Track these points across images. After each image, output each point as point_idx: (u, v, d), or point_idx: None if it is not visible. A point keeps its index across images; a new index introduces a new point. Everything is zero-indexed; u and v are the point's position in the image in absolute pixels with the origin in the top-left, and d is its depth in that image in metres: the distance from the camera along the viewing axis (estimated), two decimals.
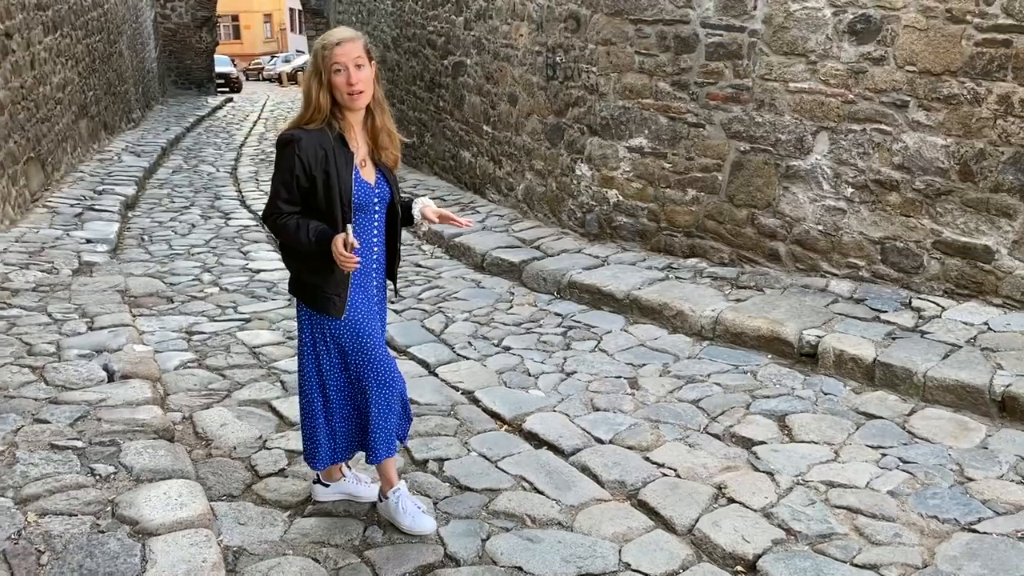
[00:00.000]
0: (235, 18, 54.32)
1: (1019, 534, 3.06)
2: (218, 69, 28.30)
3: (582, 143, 6.76)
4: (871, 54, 4.97)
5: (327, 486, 3.28)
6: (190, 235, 8.31)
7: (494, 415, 4.20)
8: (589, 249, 6.58)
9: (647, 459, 3.72)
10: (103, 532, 2.80)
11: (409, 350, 5.04)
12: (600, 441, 3.89)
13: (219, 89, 27.65)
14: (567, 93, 6.90)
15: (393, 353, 4.51)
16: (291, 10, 50.37)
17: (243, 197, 10.44)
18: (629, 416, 4.12)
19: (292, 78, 37.63)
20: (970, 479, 3.45)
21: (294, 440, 3.82)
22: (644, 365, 4.74)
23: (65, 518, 2.88)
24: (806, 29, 5.23)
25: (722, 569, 2.98)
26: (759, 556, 3.00)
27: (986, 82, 4.56)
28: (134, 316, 5.45)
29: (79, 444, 3.42)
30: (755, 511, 3.28)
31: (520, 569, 2.93)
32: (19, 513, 2.88)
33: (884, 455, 3.67)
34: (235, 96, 27.51)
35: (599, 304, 5.70)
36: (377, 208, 2.96)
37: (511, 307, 5.84)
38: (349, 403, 3.03)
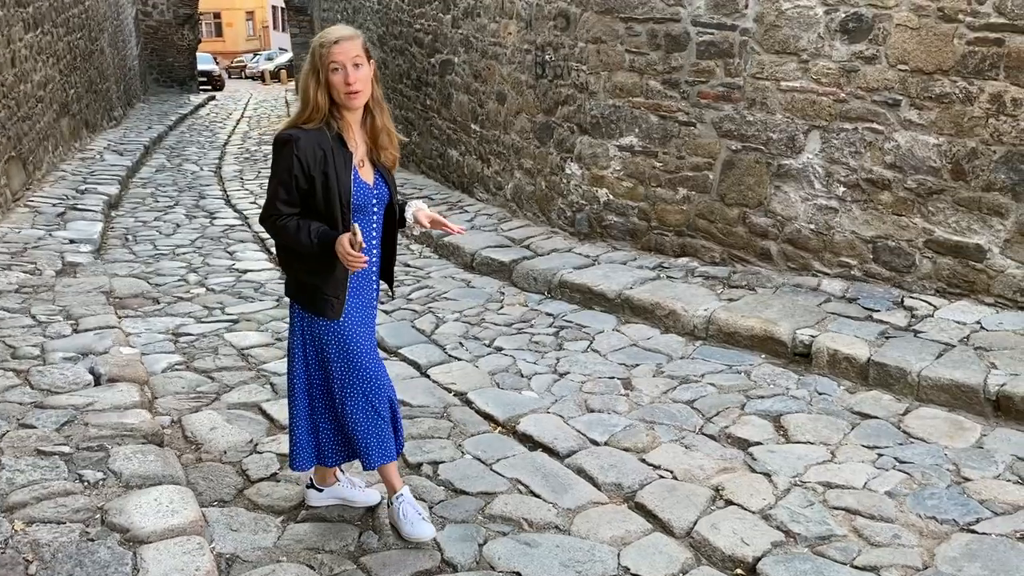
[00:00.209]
0: (217, 15, 53.95)
1: (1018, 534, 3.05)
2: (200, 67, 28.08)
3: (572, 142, 6.73)
4: (863, 53, 4.96)
5: (321, 491, 3.23)
6: (175, 235, 8.22)
7: (487, 417, 4.16)
8: (579, 248, 6.55)
9: (643, 461, 3.69)
10: (93, 540, 2.74)
11: (400, 351, 4.98)
12: (595, 443, 3.86)
13: (201, 87, 27.43)
14: (556, 92, 6.86)
15: (384, 354, 4.47)
16: (274, 7, 50.07)
17: (228, 196, 10.35)
18: (624, 417, 4.09)
19: (275, 76, 37.42)
20: (967, 479, 3.44)
21: (285, 444, 3.73)
22: (637, 365, 4.71)
23: (53, 526, 2.81)
24: (798, 28, 5.22)
25: (722, 572, 2.96)
26: (759, 559, 2.98)
27: (978, 81, 4.56)
28: (119, 318, 5.37)
29: (66, 450, 3.35)
30: (753, 513, 3.26)
31: (518, 574, 2.90)
32: (5, 521, 2.82)
33: (880, 455, 3.66)
34: (218, 94, 27.32)
35: (590, 304, 5.66)
36: (375, 209, 2.92)
37: (502, 307, 5.80)
38: (333, 408, 2.98)
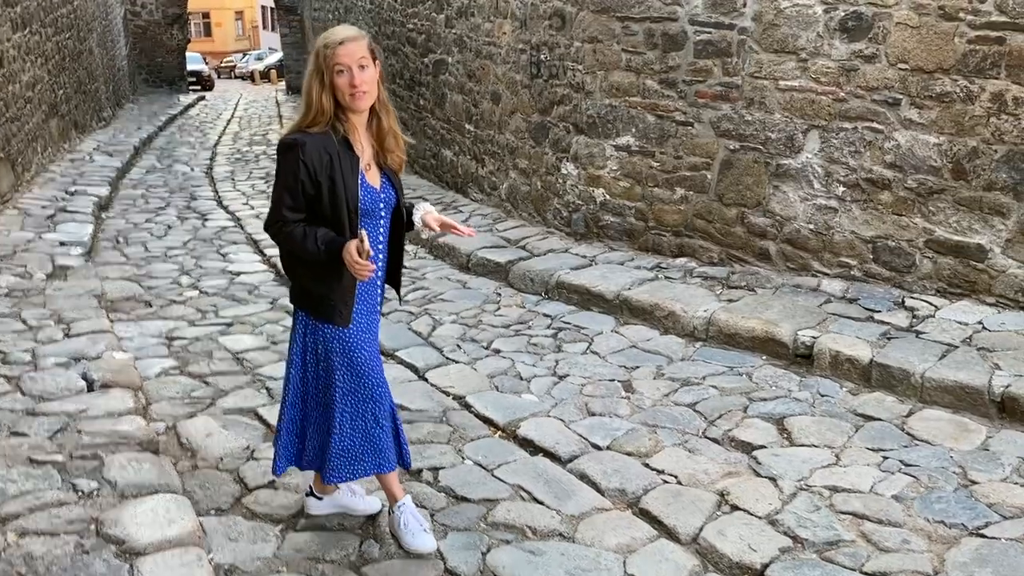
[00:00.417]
0: (206, 15, 53.71)
1: None
2: (190, 67, 27.91)
3: (568, 142, 6.68)
4: (863, 52, 4.93)
5: (320, 499, 3.17)
6: (167, 237, 8.13)
7: (487, 421, 4.10)
8: (576, 249, 6.50)
9: (647, 465, 3.64)
10: (88, 552, 2.67)
11: (397, 354, 4.92)
12: (597, 447, 3.81)
13: (191, 87, 27.26)
14: (552, 91, 6.81)
15: (381, 357, 4.40)
16: (263, 7, 49.87)
17: (220, 197, 10.25)
18: (625, 421, 4.05)
19: (265, 76, 37.27)
20: (974, 482, 3.41)
21: None
22: (637, 367, 4.67)
23: (47, 538, 2.75)
24: (797, 26, 5.18)
25: None
26: (767, 565, 2.94)
27: (979, 80, 4.53)
28: (112, 321, 5.30)
29: (59, 458, 3.29)
30: (760, 518, 3.22)
31: None
32: None
33: (885, 458, 3.62)
34: (207, 94, 27.16)
35: (588, 305, 5.62)
36: (383, 213, 2.85)
37: (499, 308, 5.75)
38: (329, 418, 2.91)
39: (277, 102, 22.25)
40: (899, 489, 3.36)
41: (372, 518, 3.18)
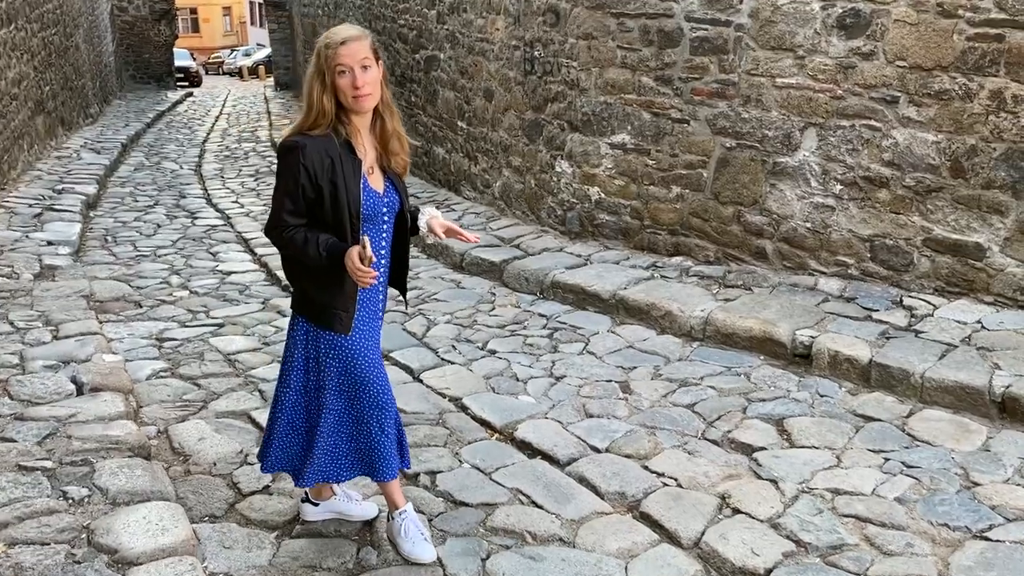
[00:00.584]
0: (193, 11, 53.36)
1: None
2: (177, 63, 27.70)
3: (562, 139, 6.62)
4: (860, 49, 4.89)
5: (316, 505, 3.11)
6: (156, 235, 8.04)
7: (484, 423, 4.05)
8: (571, 248, 6.45)
9: (646, 468, 3.60)
10: (79, 563, 2.61)
11: (392, 355, 4.85)
12: (596, 450, 3.76)
13: (178, 83, 27.06)
14: (546, 88, 6.76)
15: None
16: (251, 3, 49.60)
17: (209, 195, 10.16)
18: (624, 422, 4.00)
19: (253, 72, 37.06)
20: (976, 483, 3.38)
21: None
22: (635, 368, 4.62)
23: (37, 548, 2.68)
24: (794, 23, 5.14)
25: None
26: (770, 570, 2.90)
27: (978, 77, 4.50)
28: (101, 323, 5.22)
29: (49, 465, 3.21)
30: (762, 522, 3.18)
31: None
32: None
33: (887, 459, 3.59)
34: (195, 91, 27.00)
35: (584, 304, 5.57)
36: (386, 218, 2.79)
37: (493, 308, 5.69)
38: (337, 425, 2.85)
39: (265, 98, 22.12)
40: (901, 491, 3.33)
41: (369, 524, 3.13)
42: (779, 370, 4.51)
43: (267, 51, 32.09)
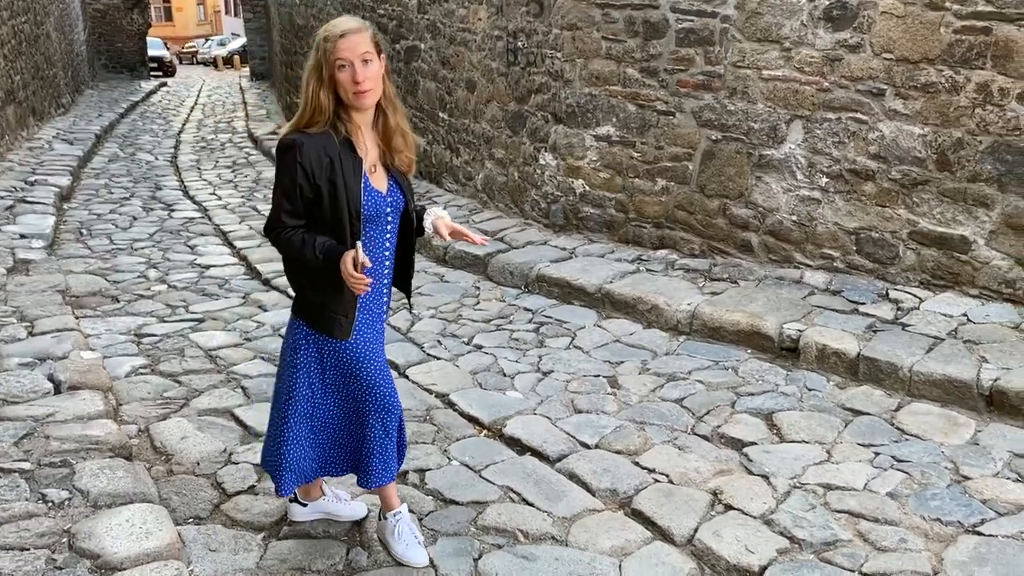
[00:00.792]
0: (167, 0, 52.62)
1: None
2: (151, 52, 27.33)
3: (546, 131, 6.57)
4: (847, 41, 4.88)
5: (305, 505, 3.05)
6: (132, 228, 7.90)
7: (472, 419, 4.00)
8: (555, 241, 6.40)
9: (637, 464, 3.57)
10: (60, 569, 2.53)
11: None
12: (586, 446, 3.72)
13: (152, 73, 26.69)
14: (529, 79, 6.69)
15: None
16: None
17: (186, 187, 10.01)
18: (613, 418, 3.97)
19: (228, 62, 36.62)
20: (967, 477, 3.38)
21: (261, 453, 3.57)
22: (622, 362, 4.59)
23: (16, 554, 2.60)
24: (780, 15, 5.11)
25: None
26: (765, 568, 2.87)
27: (964, 70, 4.50)
28: (77, 318, 5.10)
29: (26, 466, 3.12)
30: (755, 518, 3.16)
31: None
32: None
33: (877, 454, 3.58)
34: (169, 80, 26.66)
35: (569, 298, 5.53)
36: (390, 219, 2.68)
37: (478, 302, 5.64)
38: (339, 427, 2.79)
39: (241, 89, 21.85)
40: (893, 486, 3.32)
41: (358, 524, 3.07)
42: (766, 364, 4.50)
43: (242, 41, 31.70)
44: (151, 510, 2.87)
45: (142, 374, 4.43)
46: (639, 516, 3.21)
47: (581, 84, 6.19)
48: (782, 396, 4.14)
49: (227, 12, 51.77)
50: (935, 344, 4.25)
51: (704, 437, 3.79)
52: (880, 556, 2.91)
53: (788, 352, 4.52)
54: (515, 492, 3.35)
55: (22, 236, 6.86)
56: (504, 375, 4.46)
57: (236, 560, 2.86)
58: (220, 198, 9.30)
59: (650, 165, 5.92)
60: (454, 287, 5.94)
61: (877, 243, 5.00)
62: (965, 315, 4.55)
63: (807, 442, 3.71)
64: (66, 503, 2.91)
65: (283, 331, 5.08)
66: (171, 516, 2.95)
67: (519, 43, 6.76)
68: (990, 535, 3.00)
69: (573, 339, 4.94)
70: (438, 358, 4.70)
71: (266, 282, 6.18)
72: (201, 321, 5.31)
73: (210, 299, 5.79)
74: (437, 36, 8.12)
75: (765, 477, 3.43)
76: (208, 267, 6.60)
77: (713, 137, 5.57)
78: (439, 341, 4.95)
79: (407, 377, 4.47)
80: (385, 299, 2.79)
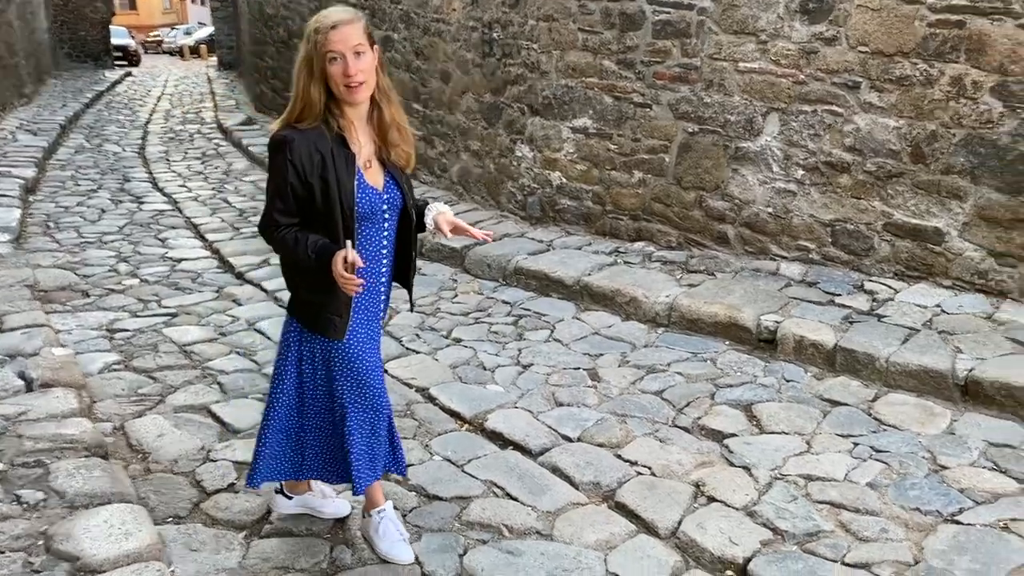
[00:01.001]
0: None
1: (1002, 524, 3.03)
2: (115, 41, 26.81)
3: (522, 123, 6.54)
4: (823, 34, 4.90)
5: (290, 498, 3.02)
6: (101, 221, 7.76)
7: (453, 414, 3.98)
8: (532, 233, 6.39)
9: (619, 457, 3.57)
10: (38, 572, 2.48)
11: None
12: (568, 439, 3.72)
13: (117, 62, 26.19)
14: (505, 71, 6.66)
15: None
16: None
17: (155, 179, 9.84)
18: (594, 411, 3.97)
19: (195, 51, 36.07)
20: (944, 467, 3.42)
21: (240, 450, 3.54)
22: (602, 355, 4.59)
23: None
24: (757, 7, 5.12)
25: (713, 575, 2.86)
26: (749, 559, 2.89)
27: (939, 63, 4.54)
28: (47, 314, 5.00)
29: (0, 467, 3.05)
30: (738, 510, 3.17)
31: None
32: None
33: (856, 444, 3.62)
34: (134, 70, 26.18)
35: (547, 291, 5.52)
36: (387, 216, 2.62)
37: (456, 295, 5.61)
38: (325, 427, 2.75)
39: (209, 79, 21.51)
40: (872, 476, 3.36)
41: (341, 521, 3.05)
42: (744, 355, 4.52)
43: (209, 30, 31.26)
44: (130, 510, 2.82)
45: (116, 370, 4.36)
46: (623, 509, 3.21)
47: (558, 76, 6.17)
48: (761, 387, 4.16)
49: (193, 1, 51.01)
50: (910, 335, 4.30)
51: (685, 429, 3.81)
52: (862, 546, 2.94)
53: (766, 344, 4.55)
54: (499, 487, 3.34)
55: None
56: (484, 368, 4.45)
57: (218, 560, 2.82)
58: (190, 190, 9.16)
59: (627, 157, 5.92)
60: (431, 280, 5.90)
61: (852, 235, 5.05)
62: (939, 306, 4.61)
63: (787, 433, 3.73)
64: (41, 504, 2.85)
65: (258, 325, 5.08)
66: (150, 516, 2.90)
67: (495, 34, 6.72)
68: (968, 524, 3.04)
69: (552, 332, 4.93)
70: (417, 352, 4.67)
71: (239, 276, 6.10)
72: (174, 316, 5.23)
73: (183, 293, 5.70)
74: (411, 26, 8.05)
75: (746, 469, 3.45)
76: (180, 260, 6.50)
77: (690, 129, 5.58)
78: (418, 335, 4.92)
79: (386, 371, 4.41)
80: (383, 299, 2.75)
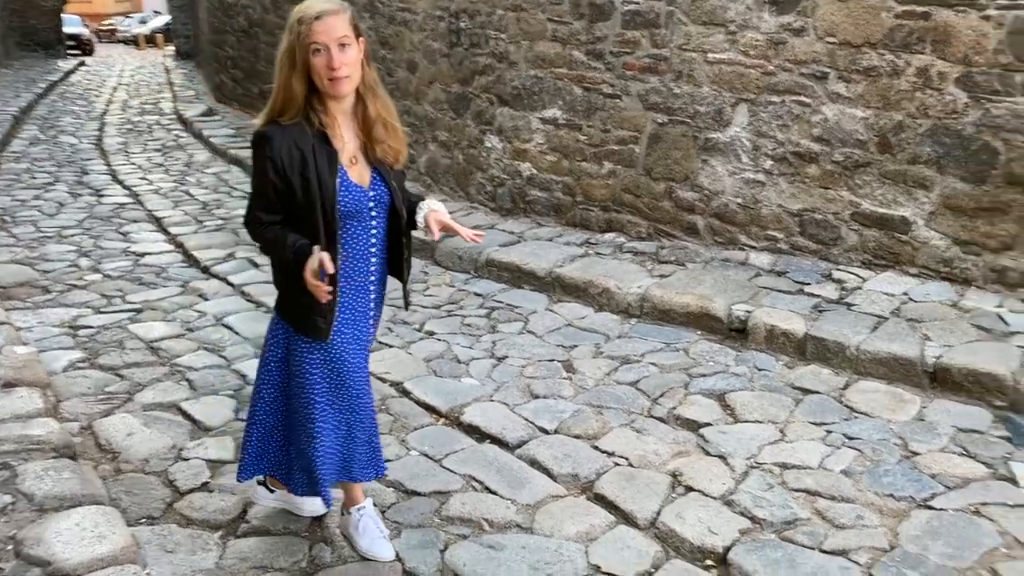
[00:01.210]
0: None
1: (972, 508, 3.09)
2: (68, 30, 26.21)
3: (491, 114, 6.51)
4: (791, 25, 4.93)
5: (272, 491, 2.97)
6: (59, 215, 7.58)
7: (429, 408, 3.95)
8: (503, 225, 6.36)
9: (596, 448, 3.57)
10: None
11: None
12: (545, 431, 3.72)
13: (69, 52, 25.60)
14: (473, 61, 6.61)
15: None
16: None
17: (114, 171, 9.63)
18: (570, 402, 3.96)
19: (150, 41, 35.37)
20: (915, 453, 3.47)
21: (213, 448, 3.49)
22: (576, 347, 4.59)
23: None
24: None
25: (693, 564, 2.87)
26: (729, 548, 2.91)
27: (905, 54, 4.60)
28: (7, 311, 4.87)
29: None
30: (715, 499, 3.19)
31: None
32: None
33: (829, 432, 3.66)
34: (88, 60, 25.61)
35: (519, 282, 5.51)
36: (374, 214, 2.55)
37: (428, 288, 5.57)
38: (314, 426, 2.71)
39: (166, 69, 21.14)
40: (847, 464, 3.40)
41: (318, 520, 3.01)
42: (716, 345, 4.55)
43: (165, 19, 30.66)
44: (102, 512, 2.76)
45: (80, 368, 4.26)
46: (602, 500, 3.21)
47: (526, 66, 6.14)
48: (733, 376, 4.19)
49: None
50: (879, 323, 4.36)
51: (660, 419, 3.82)
52: (839, 533, 2.97)
53: (737, 333, 4.59)
54: (477, 480, 3.32)
55: None
56: (458, 362, 4.42)
57: (194, 561, 2.77)
58: (151, 183, 8.99)
59: (597, 148, 5.92)
60: None
61: (820, 224, 5.10)
62: (906, 294, 4.67)
63: (760, 422, 3.76)
64: (9, 508, 2.77)
65: (226, 320, 5.00)
66: (123, 517, 2.84)
67: (462, 23, 6.66)
68: (941, 509, 3.09)
69: (526, 324, 4.92)
70: (390, 346, 4.63)
71: (205, 270, 6.00)
72: (139, 311, 5.13)
73: (147, 288, 5.59)
74: (376, 15, 7.96)
75: (723, 458, 3.48)
76: (143, 255, 6.38)
77: (659, 120, 5.59)
78: (390, 328, 4.87)
79: None
80: (372, 297, 2.71)
